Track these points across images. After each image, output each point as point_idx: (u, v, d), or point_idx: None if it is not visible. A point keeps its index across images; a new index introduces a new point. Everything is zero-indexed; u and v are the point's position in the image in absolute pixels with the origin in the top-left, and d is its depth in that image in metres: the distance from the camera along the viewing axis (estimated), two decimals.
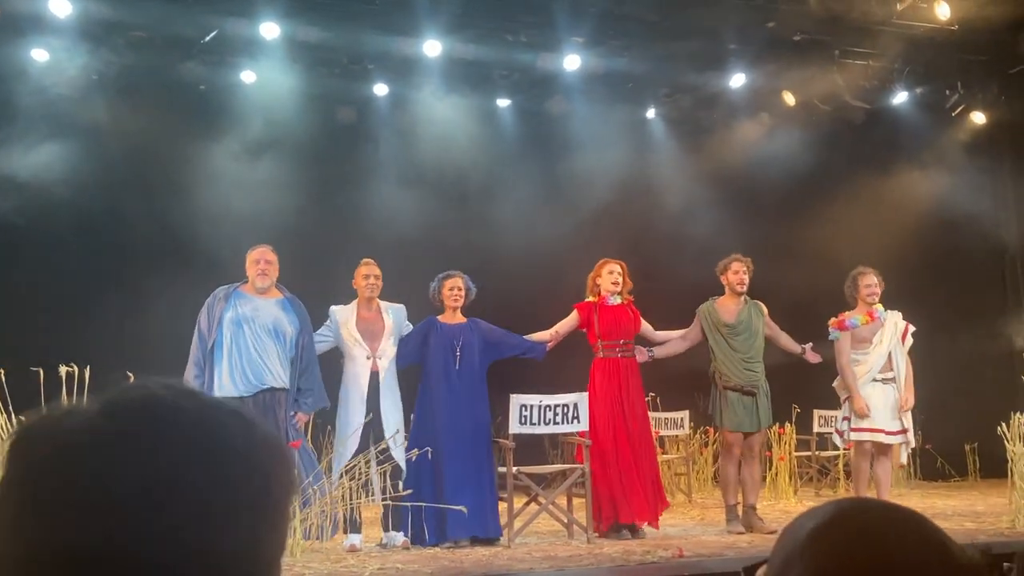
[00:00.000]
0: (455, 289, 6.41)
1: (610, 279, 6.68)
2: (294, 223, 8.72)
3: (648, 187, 10.49)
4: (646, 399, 7.53)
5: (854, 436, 6.71)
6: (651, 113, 10.71)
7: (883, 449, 6.76)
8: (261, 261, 5.97)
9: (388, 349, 6.25)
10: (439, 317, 6.47)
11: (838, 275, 10.72)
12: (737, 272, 6.79)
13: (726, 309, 6.81)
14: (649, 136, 10.72)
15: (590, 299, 6.75)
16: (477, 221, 9.88)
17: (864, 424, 6.65)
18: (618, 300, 6.70)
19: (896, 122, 10.29)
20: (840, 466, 9.14)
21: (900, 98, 10.13)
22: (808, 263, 10.17)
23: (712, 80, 9.83)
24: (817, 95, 9.85)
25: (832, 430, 7.27)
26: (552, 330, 6.69)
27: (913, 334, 6.90)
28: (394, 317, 6.34)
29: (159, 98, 8.76)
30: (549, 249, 9.52)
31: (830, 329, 6.84)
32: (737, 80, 9.83)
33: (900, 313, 6.93)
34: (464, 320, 6.48)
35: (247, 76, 8.98)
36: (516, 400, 6.30)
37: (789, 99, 10.09)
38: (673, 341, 6.91)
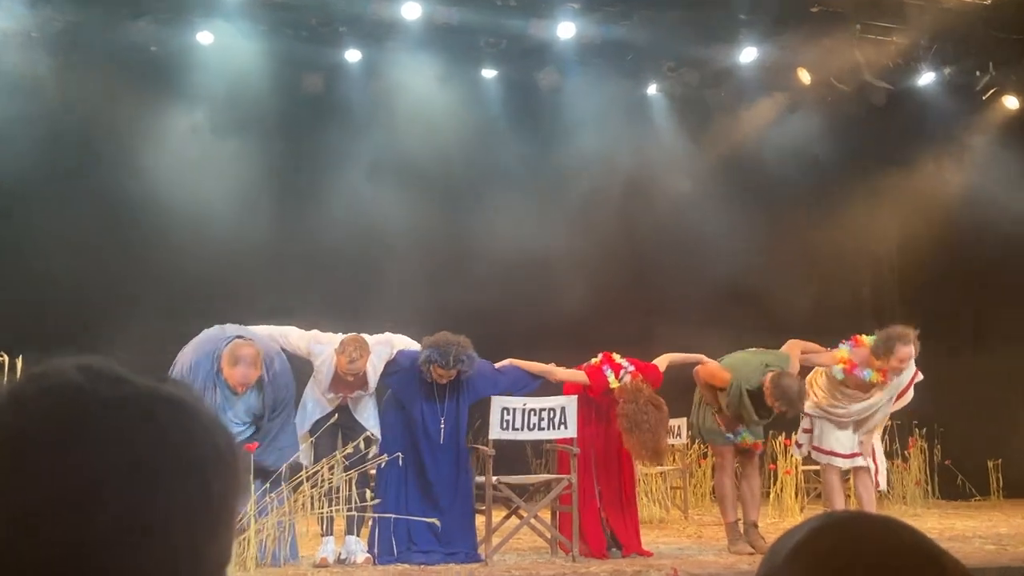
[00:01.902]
0: (443, 378, 6.11)
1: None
2: (251, 200, 8.68)
3: (647, 172, 10.48)
4: None
5: (815, 456, 6.92)
6: (652, 89, 10.72)
7: (856, 469, 6.88)
8: (241, 363, 5.75)
9: (364, 398, 6.20)
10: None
11: (853, 275, 10.81)
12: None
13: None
14: (650, 115, 10.72)
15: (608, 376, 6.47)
16: (456, 206, 9.86)
17: (824, 446, 6.78)
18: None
19: (921, 105, 10.34)
20: (851, 481, 9.19)
21: (926, 79, 10.17)
22: (820, 261, 10.23)
23: (720, 54, 9.84)
24: (835, 73, 9.88)
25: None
26: (557, 377, 6.58)
27: (917, 385, 6.85)
28: (377, 367, 6.14)
29: (105, 59, 8.70)
30: (535, 240, 9.51)
31: (834, 368, 6.60)
32: (748, 55, 9.86)
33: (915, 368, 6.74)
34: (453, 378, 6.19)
35: (204, 37, 8.91)
36: (497, 403, 6.30)
37: (804, 77, 10.13)
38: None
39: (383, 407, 6.36)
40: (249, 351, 5.78)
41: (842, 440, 6.76)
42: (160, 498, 0.71)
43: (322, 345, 6.13)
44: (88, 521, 0.69)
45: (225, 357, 5.78)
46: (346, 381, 6.11)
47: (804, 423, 6.95)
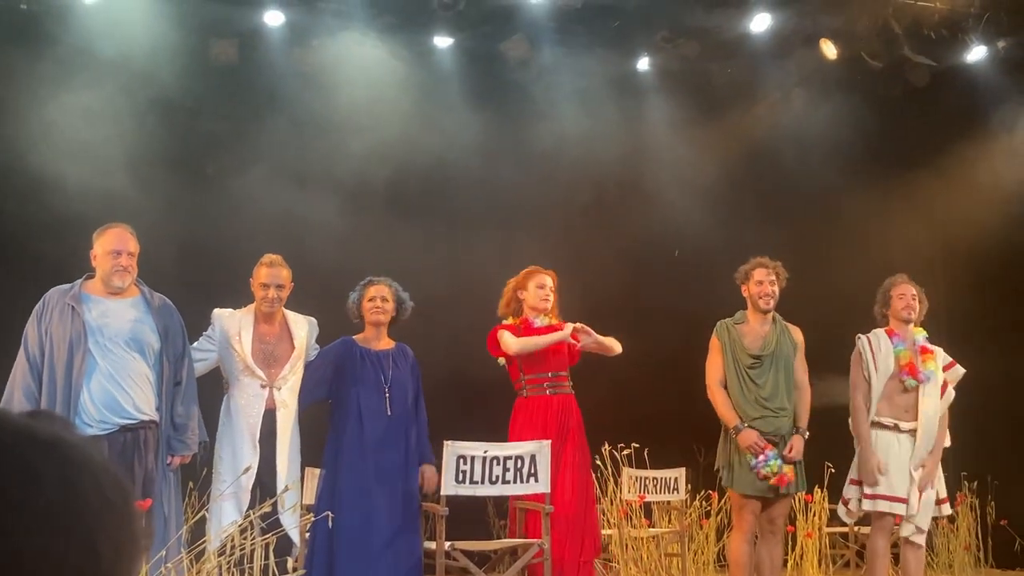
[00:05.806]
0: (377, 300, 6.43)
1: (540, 295, 6.93)
2: (144, 197, 8.61)
3: (636, 168, 10.55)
4: (615, 450, 7.76)
5: (867, 505, 6.73)
6: (644, 64, 10.80)
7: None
8: (122, 253, 5.80)
9: (292, 378, 6.28)
10: (356, 338, 6.50)
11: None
12: (761, 282, 6.84)
13: (749, 332, 6.87)
14: (640, 95, 10.79)
15: (509, 321, 6.99)
16: (402, 207, 9.85)
17: (881, 490, 6.69)
18: (545, 321, 6.98)
19: (971, 85, 10.44)
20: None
21: (976, 54, 10.29)
22: (850, 273, 10.31)
23: (727, 21, 9.94)
24: (866, 47, 9.98)
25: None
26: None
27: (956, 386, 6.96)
28: (304, 334, 6.35)
29: None
30: (498, 251, 9.48)
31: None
32: (760, 22, 9.96)
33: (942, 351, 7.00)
34: (392, 345, 6.53)
35: None
36: (452, 449, 6.30)
37: (829, 51, 10.23)
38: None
39: (324, 463, 6.38)
40: (124, 235, 5.82)
41: (902, 477, 6.68)
42: (30, 561, 0.70)
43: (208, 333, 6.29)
44: None
45: (97, 246, 5.78)
46: (269, 335, 6.24)
47: (852, 471, 6.86)
